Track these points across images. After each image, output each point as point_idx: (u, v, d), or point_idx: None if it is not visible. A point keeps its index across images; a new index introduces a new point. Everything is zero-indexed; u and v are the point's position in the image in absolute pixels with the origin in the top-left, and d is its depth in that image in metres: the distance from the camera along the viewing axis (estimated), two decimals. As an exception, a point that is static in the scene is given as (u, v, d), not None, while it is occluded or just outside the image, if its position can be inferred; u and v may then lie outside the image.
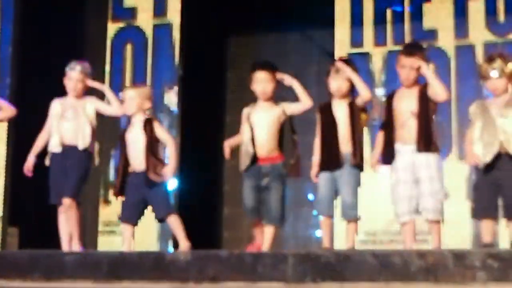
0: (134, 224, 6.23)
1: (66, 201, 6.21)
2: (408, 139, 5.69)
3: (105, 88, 6.50)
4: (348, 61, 6.02)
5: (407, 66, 5.73)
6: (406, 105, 5.72)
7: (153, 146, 6.12)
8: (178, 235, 6.09)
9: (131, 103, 6.23)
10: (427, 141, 5.64)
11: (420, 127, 5.64)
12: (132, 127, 6.26)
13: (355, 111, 5.81)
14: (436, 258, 4.43)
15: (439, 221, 5.68)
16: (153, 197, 6.10)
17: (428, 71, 5.69)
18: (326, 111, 5.92)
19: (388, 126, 5.80)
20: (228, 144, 6.01)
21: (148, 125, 6.16)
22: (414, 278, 4.44)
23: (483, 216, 5.56)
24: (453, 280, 4.37)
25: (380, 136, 5.88)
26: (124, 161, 6.18)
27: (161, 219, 6.20)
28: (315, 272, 4.62)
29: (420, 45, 6.43)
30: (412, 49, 5.83)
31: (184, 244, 6.05)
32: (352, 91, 5.91)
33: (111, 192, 9.28)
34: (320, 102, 6.05)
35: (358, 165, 5.81)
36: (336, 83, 5.85)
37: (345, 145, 5.79)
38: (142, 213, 6.23)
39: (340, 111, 5.85)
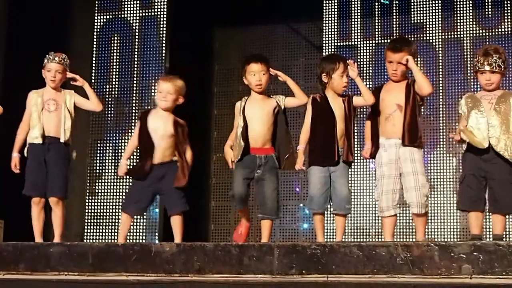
0: (139, 214, 6.24)
1: (53, 200, 6.19)
2: (392, 132, 5.68)
3: (84, 82, 6.42)
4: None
5: (394, 61, 5.73)
6: (393, 98, 5.71)
7: (187, 150, 6.08)
8: (176, 234, 6.03)
9: (168, 97, 6.09)
10: (412, 135, 5.63)
11: (406, 120, 5.63)
12: (159, 118, 6.10)
13: (351, 108, 5.81)
14: (422, 250, 4.43)
15: (423, 214, 5.68)
16: (169, 193, 6.04)
17: (414, 65, 5.68)
18: (323, 104, 5.88)
19: (375, 118, 5.80)
20: (228, 149, 5.99)
21: (180, 129, 6.09)
22: (399, 270, 4.44)
23: (469, 208, 5.56)
24: (438, 272, 4.38)
25: (368, 127, 5.87)
26: (148, 149, 6.09)
27: (170, 215, 6.13)
28: (301, 264, 4.62)
29: (408, 39, 6.41)
30: (399, 45, 5.81)
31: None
32: None
33: (97, 184, 9.29)
34: (313, 93, 6.00)
35: (351, 162, 5.82)
36: (345, 80, 5.82)
37: (340, 140, 5.79)
38: (148, 205, 6.19)
39: (337, 106, 5.84)
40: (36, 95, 6.28)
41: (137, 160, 6.24)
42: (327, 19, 9.43)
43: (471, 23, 8.95)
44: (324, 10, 9.43)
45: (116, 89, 9.45)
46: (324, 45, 9.38)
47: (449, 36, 9.03)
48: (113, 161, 9.20)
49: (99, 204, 9.23)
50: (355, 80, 5.76)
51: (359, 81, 5.76)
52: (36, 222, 6.19)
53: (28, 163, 6.19)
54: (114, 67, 9.55)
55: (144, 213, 6.31)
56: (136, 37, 9.55)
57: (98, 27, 9.70)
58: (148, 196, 6.05)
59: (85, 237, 9.17)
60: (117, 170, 6.27)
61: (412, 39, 8.58)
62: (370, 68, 9.19)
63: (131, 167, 6.24)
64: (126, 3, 9.63)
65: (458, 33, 8.99)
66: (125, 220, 6.12)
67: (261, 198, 5.86)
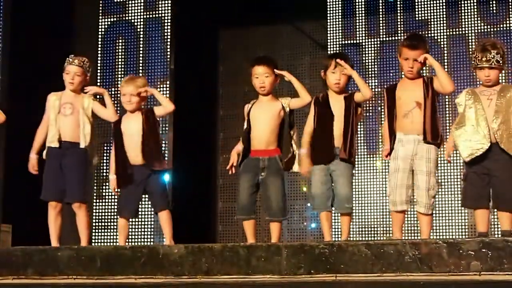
0: (134, 217, 6.28)
1: (75, 205, 6.19)
2: (411, 129, 5.65)
3: (104, 91, 6.42)
4: (346, 58, 5.97)
5: (411, 58, 5.70)
6: (411, 96, 5.66)
7: (153, 136, 6.11)
8: (165, 232, 6.10)
9: (132, 99, 6.13)
10: (434, 132, 5.60)
11: (426, 118, 5.60)
12: (129, 119, 6.19)
13: (352, 105, 5.81)
14: (430, 248, 4.42)
15: (429, 215, 5.66)
16: (152, 189, 6.10)
17: (435, 61, 5.64)
18: (323, 104, 5.90)
19: (391, 118, 5.76)
20: (234, 153, 6.00)
21: (150, 115, 6.14)
22: (408, 268, 4.43)
23: (474, 205, 5.55)
24: (447, 270, 4.37)
25: (385, 128, 5.84)
26: (123, 154, 6.14)
27: (156, 212, 6.21)
28: (309, 264, 4.61)
29: (422, 36, 6.39)
30: (416, 42, 5.78)
31: (169, 242, 6.04)
32: (347, 86, 5.94)
33: (104, 188, 9.29)
34: (316, 94, 6.02)
35: (348, 160, 5.80)
36: (335, 77, 5.84)
37: (339, 139, 5.79)
38: (139, 206, 6.26)
39: (337, 104, 5.85)
40: (55, 98, 6.26)
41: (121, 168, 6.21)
42: (331, 17, 9.42)
43: (475, 19, 8.93)
44: (328, 9, 9.41)
45: (122, 92, 9.45)
46: (329, 43, 9.37)
47: (454, 33, 9.01)
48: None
49: (106, 207, 9.23)
50: (352, 75, 5.77)
51: (355, 76, 5.77)
52: (52, 226, 6.20)
53: (45, 168, 6.19)
54: (119, 70, 9.55)
55: (138, 215, 6.36)
56: (141, 39, 9.56)
57: (103, 30, 9.70)
58: (139, 196, 6.15)
59: (93, 241, 9.18)
60: (110, 186, 6.30)
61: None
62: (375, 66, 9.18)
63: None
64: (130, 5, 9.64)
65: (463, 29, 8.97)
66: (123, 225, 6.18)
67: (267, 201, 5.87)
